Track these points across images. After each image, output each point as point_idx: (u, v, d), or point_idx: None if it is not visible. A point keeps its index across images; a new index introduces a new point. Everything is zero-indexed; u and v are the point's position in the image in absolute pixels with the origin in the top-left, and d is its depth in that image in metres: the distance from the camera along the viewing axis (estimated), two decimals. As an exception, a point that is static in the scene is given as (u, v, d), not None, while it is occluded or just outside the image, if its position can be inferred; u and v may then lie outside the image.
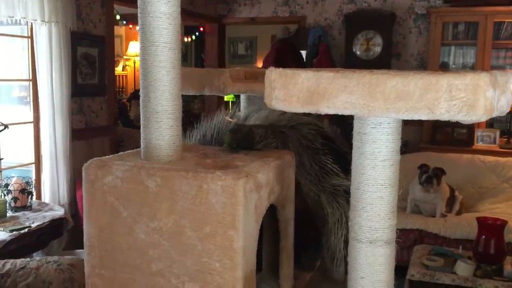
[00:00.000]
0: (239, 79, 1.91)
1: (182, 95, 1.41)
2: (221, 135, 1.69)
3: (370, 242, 1.16)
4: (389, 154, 1.14)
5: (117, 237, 1.28)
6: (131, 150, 1.48)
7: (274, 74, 1.12)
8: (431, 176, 3.87)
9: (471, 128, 5.02)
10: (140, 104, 1.34)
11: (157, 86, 1.31)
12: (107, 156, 1.37)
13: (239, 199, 1.17)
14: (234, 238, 1.18)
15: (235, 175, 1.19)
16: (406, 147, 5.14)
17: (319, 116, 1.52)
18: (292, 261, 1.58)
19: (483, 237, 2.96)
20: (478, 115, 0.93)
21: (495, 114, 0.99)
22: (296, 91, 1.11)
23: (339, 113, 1.08)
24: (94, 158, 1.34)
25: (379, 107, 1.02)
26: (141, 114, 1.34)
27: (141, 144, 1.36)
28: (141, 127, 1.35)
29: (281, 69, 1.12)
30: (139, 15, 1.31)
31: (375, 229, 1.16)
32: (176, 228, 1.23)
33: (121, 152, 1.45)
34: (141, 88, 1.34)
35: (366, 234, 1.17)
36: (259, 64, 8.91)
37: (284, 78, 1.11)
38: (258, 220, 1.29)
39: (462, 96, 0.92)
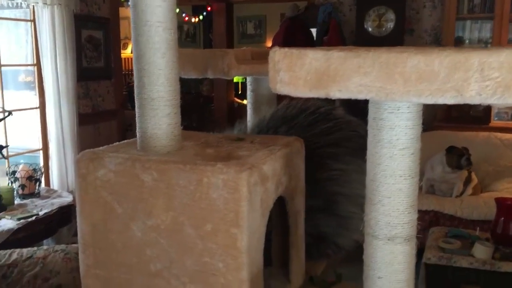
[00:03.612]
0: (245, 60, 1.78)
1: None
2: None
3: (388, 239, 1.05)
4: (408, 142, 1.02)
5: (111, 235, 1.19)
6: (128, 140, 1.37)
7: (278, 55, 1.00)
8: (469, 158, 3.76)
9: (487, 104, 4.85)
10: (135, 91, 1.23)
11: (152, 70, 1.19)
12: (101, 148, 1.27)
13: (243, 194, 1.06)
14: (238, 237, 1.08)
15: (237, 168, 1.07)
16: (420, 126, 4.97)
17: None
18: (303, 255, 1.47)
19: (502, 218, 2.87)
20: (514, 98, 0.80)
21: (532, 95, 0.86)
22: (303, 73, 0.98)
23: (352, 97, 0.96)
24: (86, 150, 1.23)
25: (398, 90, 0.89)
26: (135, 102, 1.23)
27: (137, 134, 1.26)
28: (136, 116, 1.24)
29: (286, 49, 1.00)
30: (129, -8, 1.20)
31: (393, 224, 1.05)
32: (174, 226, 1.12)
33: (116, 143, 1.35)
34: (134, 73, 1.23)
35: (383, 230, 1.06)
36: (269, 44, 8.73)
37: (290, 59, 0.99)
38: (265, 215, 1.18)
39: (496, 76, 0.80)
